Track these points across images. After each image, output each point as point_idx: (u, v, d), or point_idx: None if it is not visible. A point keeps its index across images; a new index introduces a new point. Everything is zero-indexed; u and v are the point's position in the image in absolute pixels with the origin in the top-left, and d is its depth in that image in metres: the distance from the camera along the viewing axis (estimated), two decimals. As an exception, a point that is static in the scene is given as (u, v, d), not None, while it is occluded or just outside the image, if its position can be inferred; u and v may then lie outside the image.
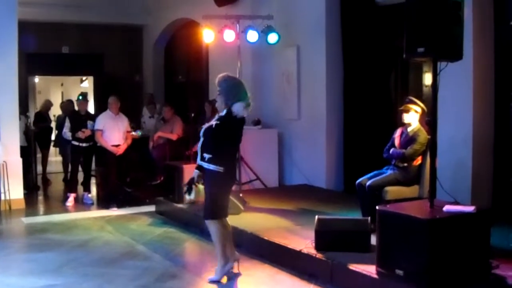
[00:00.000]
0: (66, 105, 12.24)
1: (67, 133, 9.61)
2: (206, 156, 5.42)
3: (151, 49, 15.89)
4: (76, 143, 9.58)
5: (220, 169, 5.36)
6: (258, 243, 6.34)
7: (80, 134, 9.44)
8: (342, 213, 7.09)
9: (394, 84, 9.08)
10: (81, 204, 9.61)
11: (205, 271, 5.82)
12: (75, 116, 9.77)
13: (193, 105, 13.70)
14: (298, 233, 6.37)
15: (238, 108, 5.37)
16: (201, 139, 5.52)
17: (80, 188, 9.95)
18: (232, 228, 5.89)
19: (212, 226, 5.50)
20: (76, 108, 10.15)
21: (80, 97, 9.92)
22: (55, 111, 13.89)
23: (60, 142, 11.69)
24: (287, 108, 10.31)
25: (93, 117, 9.75)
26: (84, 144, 9.57)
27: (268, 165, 9.96)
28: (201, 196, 5.68)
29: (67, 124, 9.64)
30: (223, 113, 5.43)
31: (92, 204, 9.65)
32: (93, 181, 10.38)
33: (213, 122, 5.44)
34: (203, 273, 5.76)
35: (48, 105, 12.55)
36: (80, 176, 9.89)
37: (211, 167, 5.38)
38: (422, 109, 6.44)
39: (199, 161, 5.53)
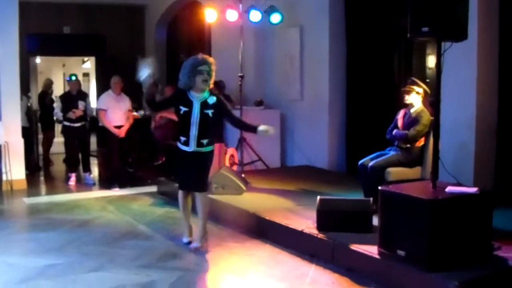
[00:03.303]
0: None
1: (58, 113, 9.61)
2: (205, 141, 5.72)
3: (153, 29, 15.76)
4: (67, 123, 9.56)
5: (213, 147, 5.91)
6: (259, 223, 6.33)
7: (71, 115, 9.43)
8: (344, 194, 7.07)
9: (398, 65, 9.00)
10: (83, 184, 9.63)
11: (207, 250, 5.84)
12: (67, 96, 9.77)
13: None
14: (300, 213, 6.36)
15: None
16: (196, 127, 5.67)
17: (80, 169, 9.96)
18: (234, 208, 5.98)
19: (207, 198, 6.01)
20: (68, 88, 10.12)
21: (72, 78, 9.94)
22: (56, 91, 13.82)
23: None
24: (289, 88, 10.26)
25: (84, 97, 9.73)
26: (76, 124, 9.54)
27: (270, 146, 9.92)
28: None
29: (58, 104, 9.64)
30: (215, 98, 5.79)
31: (94, 184, 9.66)
32: (94, 161, 10.36)
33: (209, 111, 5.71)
34: (204, 253, 5.77)
35: (49, 84, 12.44)
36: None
37: (210, 148, 5.82)
38: (425, 90, 6.40)
39: (195, 148, 5.71)
